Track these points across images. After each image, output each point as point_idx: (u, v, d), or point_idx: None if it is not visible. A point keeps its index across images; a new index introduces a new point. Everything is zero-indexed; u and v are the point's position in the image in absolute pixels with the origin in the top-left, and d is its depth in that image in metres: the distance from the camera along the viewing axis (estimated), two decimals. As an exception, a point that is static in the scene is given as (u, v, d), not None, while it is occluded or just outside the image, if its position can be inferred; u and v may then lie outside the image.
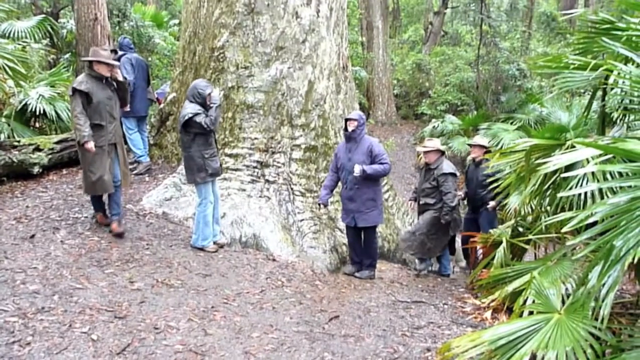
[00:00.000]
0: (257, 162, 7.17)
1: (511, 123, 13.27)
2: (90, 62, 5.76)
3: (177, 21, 18.11)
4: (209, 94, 5.83)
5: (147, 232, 6.19)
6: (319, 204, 6.62)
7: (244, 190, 6.99)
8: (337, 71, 8.01)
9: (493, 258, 5.86)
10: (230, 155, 7.17)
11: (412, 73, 19.98)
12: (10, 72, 6.89)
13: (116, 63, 6.05)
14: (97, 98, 5.65)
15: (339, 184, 6.64)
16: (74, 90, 5.57)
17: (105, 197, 6.13)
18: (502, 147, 11.01)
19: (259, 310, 4.88)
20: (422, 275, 7.09)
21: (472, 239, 6.74)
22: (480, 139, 7.66)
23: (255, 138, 7.23)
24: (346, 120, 6.42)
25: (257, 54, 7.34)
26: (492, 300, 5.30)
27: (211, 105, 5.82)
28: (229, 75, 7.36)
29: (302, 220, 7.03)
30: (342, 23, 8.33)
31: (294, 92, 7.38)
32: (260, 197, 6.98)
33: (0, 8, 6.70)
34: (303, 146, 7.38)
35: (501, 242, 5.92)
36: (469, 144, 8.21)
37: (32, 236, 5.54)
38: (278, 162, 7.24)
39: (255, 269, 5.87)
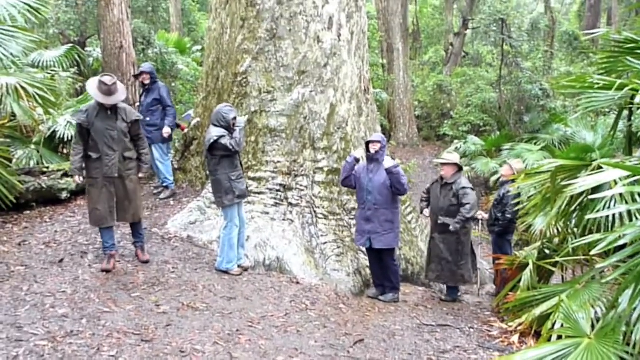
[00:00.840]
0: (280, 185, 7.22)
1: (535, 143, 13.15)
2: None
3: (199, 47, 18.49)
4: (233, 118, 5.91)
5: (172, 256, 6.25)
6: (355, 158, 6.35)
7: (267, 213, 7.03)
8: (359, 94, 8.08)
9: (519, 281, 5.78)
10: (253, 179, 7.23)
11: (433, 94, 19.99)
12: (39, 101, 7.07)
13: (121, 97, 5.66)
14: (95, 129, 5.45)
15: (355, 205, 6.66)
16: (77, 123, 5.55)
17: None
18: (526, 167, 10.92)
19: (283, 333, 4.87)
20: (454, 300, 6.93)
21: (497, 261, 6.67)
22: (515, 162, 7.53)
23: (278, 161, 7.30)
24: (368, 142, 6.39)
25: (280, 79, 7.44)
26: (520, 324, 5.21)
27: (235, 128, 5.90)
28: (252, 100, 7.46)
29: (325, 243, 7.03)
30: (363, 46, 8.42)
31: (316, 115, 7.45)
32: (283, 220, 7.01)
33: (30, 38, 6.90)
34: (325, 169, 7.42)
35: (527, 265, 5.83)
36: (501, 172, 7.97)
37: (61, 260, 5.64)
38: (301, 185, 7.28)
39: (280, 292, 5.87)
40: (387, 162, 6.23)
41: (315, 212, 7.23)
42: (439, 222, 6.75)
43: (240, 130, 5.89)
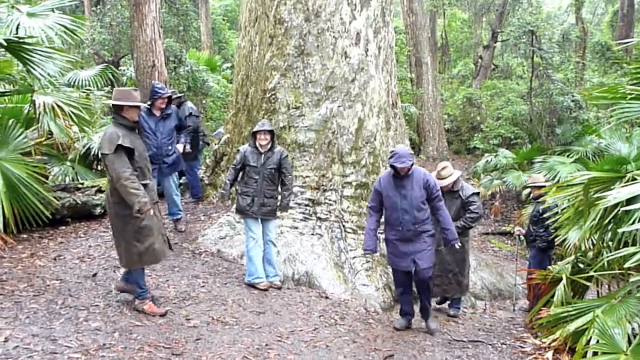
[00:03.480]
0: (309, 200, 7.25)
1: (568, 156, 12.91)
2: (122, 106, 4.79)
3: (229, 64, 18.80)
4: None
5: (202, 270, 6.31)
6: (369, 252, 5.66)
7: (296, 228, 7.05)
8: (387, 108, 8.08)
9: (553, 296, 5.66)
10: (282, 194, 7.28)
11: (463, 107, 19.86)
12: (75, 119, 7.27)
13: (143, 105, 5.46)
14: (139, 151, 4.80)
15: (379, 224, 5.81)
16: (117, 147, 4.58)
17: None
18: (558, 180, 10.72)
19: (312, 348, 4.86)
20: (458, 315, 6.76)
21: (530, 276, 6.54)
22: (537, 178, 7.42)
23: (307, 176, 7.34)
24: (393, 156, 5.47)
25: (308, 94, 7.51)
26: (553, 340, 5.10)
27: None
28: (281, 116, 7.54)
29: (354, 257, 7.02)
30: (391, 61, 8.44)
31: (344, 130, 7.48)
32: (312, 234, 7.03)
33: (66, 59, 7.12)
34: (354, 183, 7.43)
35: (561, 279, 5.71)
36: (529, 186, 7.83)
37: (94, 275, 5.76)
38: (329, 200, 7.29)
39: (308, 307, 5.87)
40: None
41: (344, 226, 7.23)
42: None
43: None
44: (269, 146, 6.11)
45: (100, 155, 4.58)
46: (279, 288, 6.22)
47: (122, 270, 5.88)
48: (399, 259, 5.59)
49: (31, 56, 6.54)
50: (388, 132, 8.05)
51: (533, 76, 15.77)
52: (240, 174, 6.21)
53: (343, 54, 7.60)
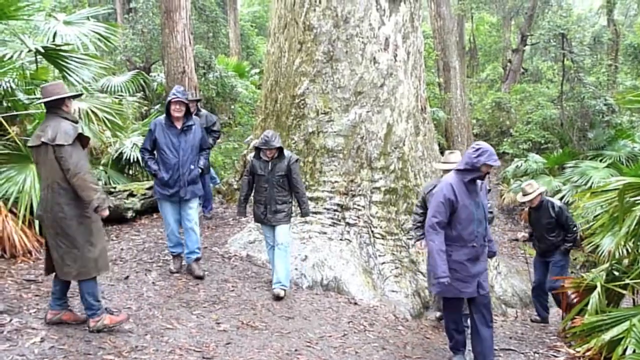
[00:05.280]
0: (338, 205, 7.25)
1: (600, 160, 12.68)
2: (59, 100, 4.35)
3: (257, 70, 18.96)
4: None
5: (232, 275, 6.37)
6: (445, 280, 4.49)
7: (325, 233, 7.06)
8: (416, 113, 8.05)
9: (587, 304, 5.55)
10: (311, 199, 7.29)
11: (491, 112, 19.65)
12: (108, 124, 7.44)
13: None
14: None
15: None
16: (76, 138, 4.26)
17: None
18: (591, 186, 10.52)
19: (341, 354, 4.85)
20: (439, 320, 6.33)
21: (562, 284, 6.43)
22: (529, 189, 7.07)
23: (336, 181, 7.35)
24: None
25: (337, 100, 7.53)
26: (588, 350, 5.00)
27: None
28: (309, 121, 7.58)
29: (383, 263, 6.99)
30: (420, 66, 8.42)
31: (373, 135, 7.48)
32: (340, 240, 7.03)
33: (100, 65, 7.29)
34: (383, 189, 7.41)
35: (595, 287, 5.60)
36: (522, 202, 7.37)
37: (127, 277, 5.85)
38: (358, 205, 7.29)
39: (337, 313, 5.87)
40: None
41: (372, 232, 7.22)
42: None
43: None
44: (275, 155, 5.79)
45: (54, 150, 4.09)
46: (279, 298, 5.84)
47: (154, 273, 5.96)
48: (465, 284, 4.61)
49: (67, 63, 6.72)
50: (417, 137, 8.01)
51: (564, 80, 15.53)
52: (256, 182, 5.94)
53: (372, 60, 7.60)
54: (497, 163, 4.51)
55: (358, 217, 7.24)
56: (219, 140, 8.77)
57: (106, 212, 4.32)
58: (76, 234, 4.28)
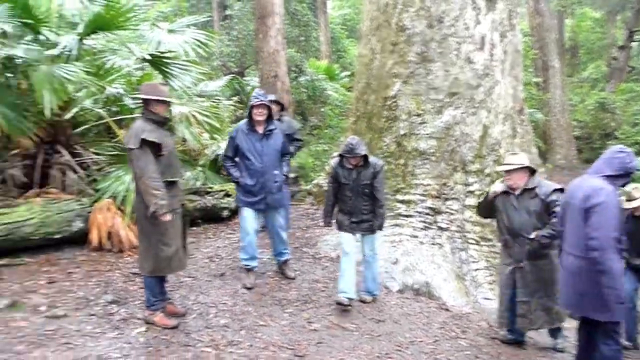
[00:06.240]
0: (430, 208, 7.12)
1: None
2: (148, 100, 4.52)
3: (347, 73, 19.02)
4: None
5: (322, 275, 6.42)
6: None
7: (416, 237, 6.95)
8: (513, 114, 7.75)
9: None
10: (402, 202, 7.22)
11: (594, 113, 18.59)
12: (206, 127, 7.76)
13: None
14: (167, 148, 4.52)
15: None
16: (142, 141, 4.31)
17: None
18: None
19: (433, 360, 4.76)
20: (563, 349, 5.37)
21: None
22: (636, 193, 6.24)
23: (428, 184, 7.22)
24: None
25: (430, 101, 7.40)
26: None
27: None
28: (401, 123, 7.50)
29: (476, 269, 6.78)
30: (517, 65, 8.09)
31: (467, 137, 7.28)
32: (432, 244, 6.89)
33: (200, 71, 7.63)
34: (477, 192, 7.18)
35: None
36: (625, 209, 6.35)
37: (222, 274, 6.07)
38: (451, 209, 7.12)
39: (428, 318, 5.75)
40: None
41: (465, 237, 7.02)
42: (517, 245, 5.02)
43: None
44: (360, 163, 5.42)
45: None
46: (345, 307, 5.45)
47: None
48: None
49: (171, 69, 7.09)
50: (514, 140, 7.70)
51: (678, 78, 14.37)
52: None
53: (467, 60, 7.41)
54: None
55: (451, 222, 7.07)
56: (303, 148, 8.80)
57: (167, 217, 4.38)
58: (150, 233, 4.48)
